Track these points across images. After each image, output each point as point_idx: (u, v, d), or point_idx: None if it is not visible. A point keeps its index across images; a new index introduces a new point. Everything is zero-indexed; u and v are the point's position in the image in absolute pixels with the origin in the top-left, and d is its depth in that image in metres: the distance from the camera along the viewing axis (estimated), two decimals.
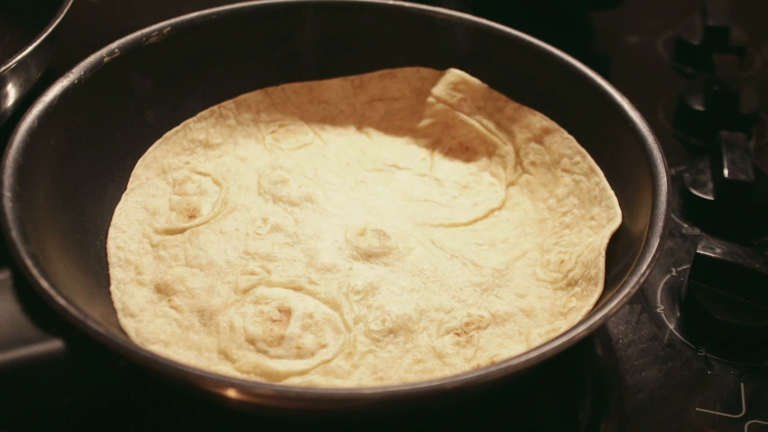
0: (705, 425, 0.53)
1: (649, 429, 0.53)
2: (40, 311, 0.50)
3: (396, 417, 0.50)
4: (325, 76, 0.71)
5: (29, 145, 0.54)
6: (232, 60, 0.69)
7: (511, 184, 0.65)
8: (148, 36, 0.65)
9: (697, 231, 0.67)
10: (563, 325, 0.53)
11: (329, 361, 0.52)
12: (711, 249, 0.59)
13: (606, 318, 0.47)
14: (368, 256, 0.58)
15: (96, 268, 0.56)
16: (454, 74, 0.69)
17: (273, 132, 0.68)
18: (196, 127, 0.66)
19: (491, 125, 0.68)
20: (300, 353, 0.52)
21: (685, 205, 0.69)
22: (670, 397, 0.55)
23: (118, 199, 0.61)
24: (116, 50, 0.63)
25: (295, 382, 0.50)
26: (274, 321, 0.53)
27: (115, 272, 0.57)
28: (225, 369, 0.51)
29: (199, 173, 0.64)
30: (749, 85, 0.79)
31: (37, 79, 0.70)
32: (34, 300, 0.49)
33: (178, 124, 0.66)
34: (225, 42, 0.68)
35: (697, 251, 0.59)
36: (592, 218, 0.59)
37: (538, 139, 0.65)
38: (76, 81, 0.60)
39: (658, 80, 0.85)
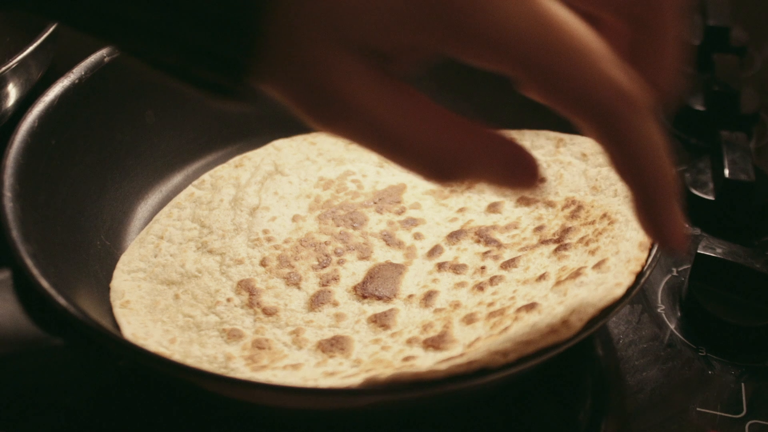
0: (706, 425, 0.53)
1: (649, 429, 0.53)
2: (40, 311, 0.50)
3: (393, 416, 0.50)
4: None
5: (29, 145, 0.54)
6: None
7: None
8: None
9: (697, 231, 0.66)
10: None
11: None
12: (711, 249, 0.59)
13: (606, 318, 0.47)
14: None
15: (96, 268, 0.56)
16: None
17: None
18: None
19: None
20: None
21: (686, 205, 0.68)
22: (671, 397, 0.55)
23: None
24: (116, 50, 0.62)
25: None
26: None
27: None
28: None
29: None
30: (749, 85, 0.79)
31: (37, 80, 0.70)
32: (34, 300, 0.49)
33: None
34: None
35: (698, 251, 0.59)
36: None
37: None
38: (76, 81, 0.60)
39: None
